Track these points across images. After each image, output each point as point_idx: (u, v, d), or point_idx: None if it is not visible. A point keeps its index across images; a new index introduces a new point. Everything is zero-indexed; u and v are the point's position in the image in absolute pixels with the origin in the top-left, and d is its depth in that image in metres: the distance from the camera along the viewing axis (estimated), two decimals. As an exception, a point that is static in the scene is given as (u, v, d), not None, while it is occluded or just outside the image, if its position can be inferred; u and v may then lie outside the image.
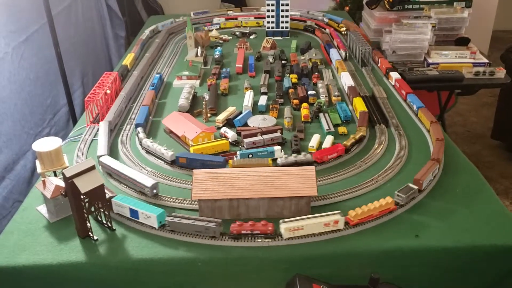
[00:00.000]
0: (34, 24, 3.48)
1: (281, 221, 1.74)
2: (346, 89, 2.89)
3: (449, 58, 3.54)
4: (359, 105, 2.60)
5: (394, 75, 3.00)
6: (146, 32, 3.98)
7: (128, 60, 3.39)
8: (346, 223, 1.78)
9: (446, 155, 2.21)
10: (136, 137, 2.43)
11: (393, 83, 2.99)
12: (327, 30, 3.98)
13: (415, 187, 1.92)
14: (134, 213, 1.82)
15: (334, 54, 3.36)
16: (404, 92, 2.79)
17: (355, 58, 3.44)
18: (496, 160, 4.50)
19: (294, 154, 2.18)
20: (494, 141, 4.67)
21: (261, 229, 1.72)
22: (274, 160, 2.18)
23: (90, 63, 4.59)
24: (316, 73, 3.11)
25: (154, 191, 1.96)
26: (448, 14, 3.80)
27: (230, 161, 2.14)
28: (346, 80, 2.93)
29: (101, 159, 2.17)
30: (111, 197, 1.86)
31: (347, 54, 3.42)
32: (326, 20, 4.16)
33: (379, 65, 3.30)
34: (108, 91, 2.73)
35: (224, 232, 1.75)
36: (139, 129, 2.45)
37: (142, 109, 2.66)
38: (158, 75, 3.10)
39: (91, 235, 1.78)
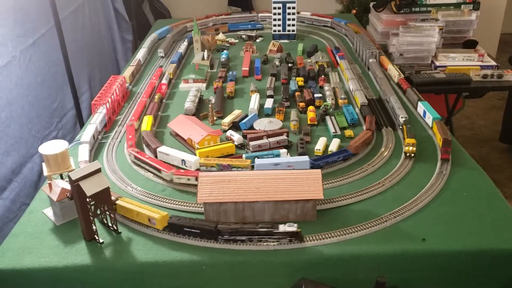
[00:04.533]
0: (42, 28, 3.50)
1: None
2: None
3: (456, 61, 3.52)
4: None
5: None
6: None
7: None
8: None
9: (453, 158, 2.20)
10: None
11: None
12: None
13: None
14: None
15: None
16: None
17: (362, 61, 3.43)
18: (504, 164, 4.46)
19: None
20: (503, 145, 4.64)
21: None
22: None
23: (97, 66, 4.61)
24: (323, 76, 3.10)
25: None
26: (455, 17, 3.78)
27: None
28: None
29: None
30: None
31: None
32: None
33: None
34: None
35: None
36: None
37: None
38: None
39: (97, 238, 1.79)
